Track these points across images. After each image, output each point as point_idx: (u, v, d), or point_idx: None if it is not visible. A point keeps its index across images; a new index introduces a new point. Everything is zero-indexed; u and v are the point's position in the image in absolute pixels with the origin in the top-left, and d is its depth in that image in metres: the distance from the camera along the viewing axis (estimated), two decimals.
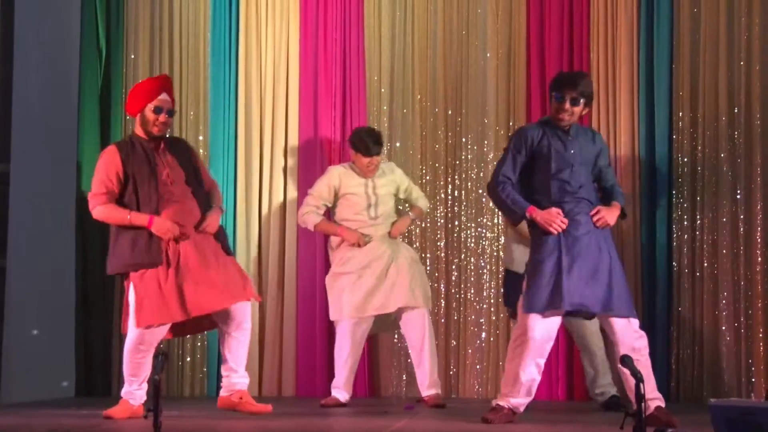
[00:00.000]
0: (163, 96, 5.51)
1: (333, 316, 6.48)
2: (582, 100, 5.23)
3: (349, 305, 6.35)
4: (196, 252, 5.38)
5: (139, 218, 5.36)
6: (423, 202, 6.78)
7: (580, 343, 6.21)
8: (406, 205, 6.89)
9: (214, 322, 5.54)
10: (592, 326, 6.00)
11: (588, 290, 5.06)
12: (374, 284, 6.35)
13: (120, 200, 5.44)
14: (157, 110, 5.48)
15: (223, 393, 5.58)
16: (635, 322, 5.20)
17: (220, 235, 5.55)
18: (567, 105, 5.20)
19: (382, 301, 6.33)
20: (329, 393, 6.55)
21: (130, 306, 5.39)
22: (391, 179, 6.60)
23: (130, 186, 5.43)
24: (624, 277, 5.26)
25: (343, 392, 6.36)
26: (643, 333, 5.24)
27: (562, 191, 5.22)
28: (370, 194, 6.51)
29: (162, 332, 5.42)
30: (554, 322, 5.12)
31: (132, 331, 5.38)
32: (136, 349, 5.39)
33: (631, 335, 5.15)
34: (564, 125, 5.26)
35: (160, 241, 5.35)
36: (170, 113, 5.53)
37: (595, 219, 5.19)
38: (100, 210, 5.45)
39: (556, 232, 5.11)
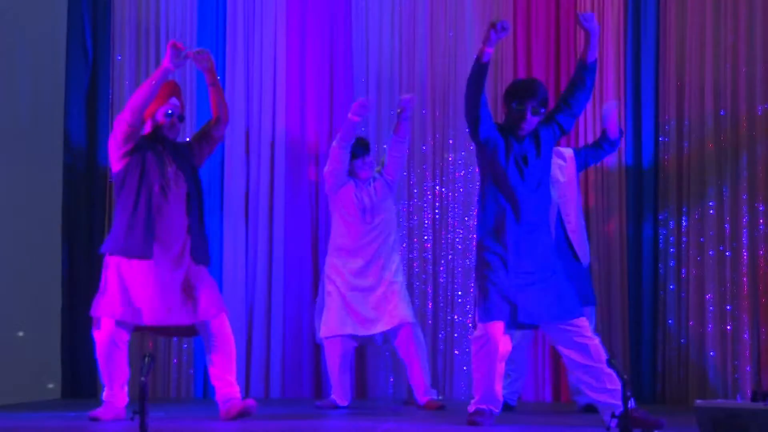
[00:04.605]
0: (173, 100, 5.53)
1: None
2: (542, 110, 5.23)
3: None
4: (167, 257, 5.37)
5: (157, 73, 5.40)
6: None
7: None
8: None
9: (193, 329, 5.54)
10: None
11: (540, 301, 5.08)
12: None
13: (125, 180, 5.42)
14: (169, 115, 5.50)
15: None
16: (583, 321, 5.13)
17: (198, 241, 5.47)
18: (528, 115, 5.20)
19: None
20: (317, 395, 6.52)
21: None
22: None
23: (138, 167, 5.40)
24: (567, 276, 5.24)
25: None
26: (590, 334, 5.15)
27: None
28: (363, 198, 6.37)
29: (128, 330, 5.39)
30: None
31: (101, 331, 5.37)
32: (108, 348, 5.37)
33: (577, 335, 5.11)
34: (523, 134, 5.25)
35: (154, 234, 5.35)
36: (181, 118, 5.55)
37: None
38: (127, 110, 5.39)
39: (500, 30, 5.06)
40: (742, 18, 6.80)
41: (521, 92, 5.19)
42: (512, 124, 5.21)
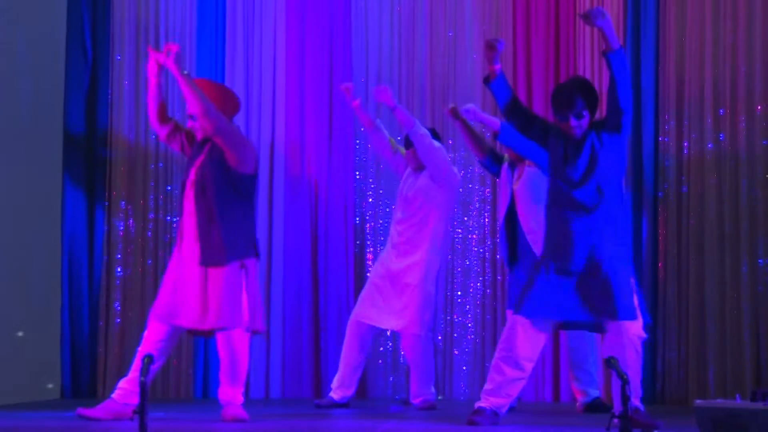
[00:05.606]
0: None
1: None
2: (585, 112, 5.18)
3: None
4: (182, 258, 5.43)
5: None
6: None
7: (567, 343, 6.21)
8: None
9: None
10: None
11: (579, 299, 5.05)
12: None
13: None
14: (187, 117, 5.60)
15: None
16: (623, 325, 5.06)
17: (205, 244, 5.42)
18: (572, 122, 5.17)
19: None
20: (317, 395, 6.49)
21: None
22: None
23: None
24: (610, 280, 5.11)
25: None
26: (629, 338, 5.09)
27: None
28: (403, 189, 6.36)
29: (164, 328, 5.42)
30: (546, 326, 5.12)
31: None
32: (142, 342, 5.47)
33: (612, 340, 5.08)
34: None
35: (176, 235, 5.57)
36: (192, 117, 5.54)
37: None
38: None
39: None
40: (741, 18, 6.80)
41: (558, 106, 5.17)
42: (565, 130, 5.22)
